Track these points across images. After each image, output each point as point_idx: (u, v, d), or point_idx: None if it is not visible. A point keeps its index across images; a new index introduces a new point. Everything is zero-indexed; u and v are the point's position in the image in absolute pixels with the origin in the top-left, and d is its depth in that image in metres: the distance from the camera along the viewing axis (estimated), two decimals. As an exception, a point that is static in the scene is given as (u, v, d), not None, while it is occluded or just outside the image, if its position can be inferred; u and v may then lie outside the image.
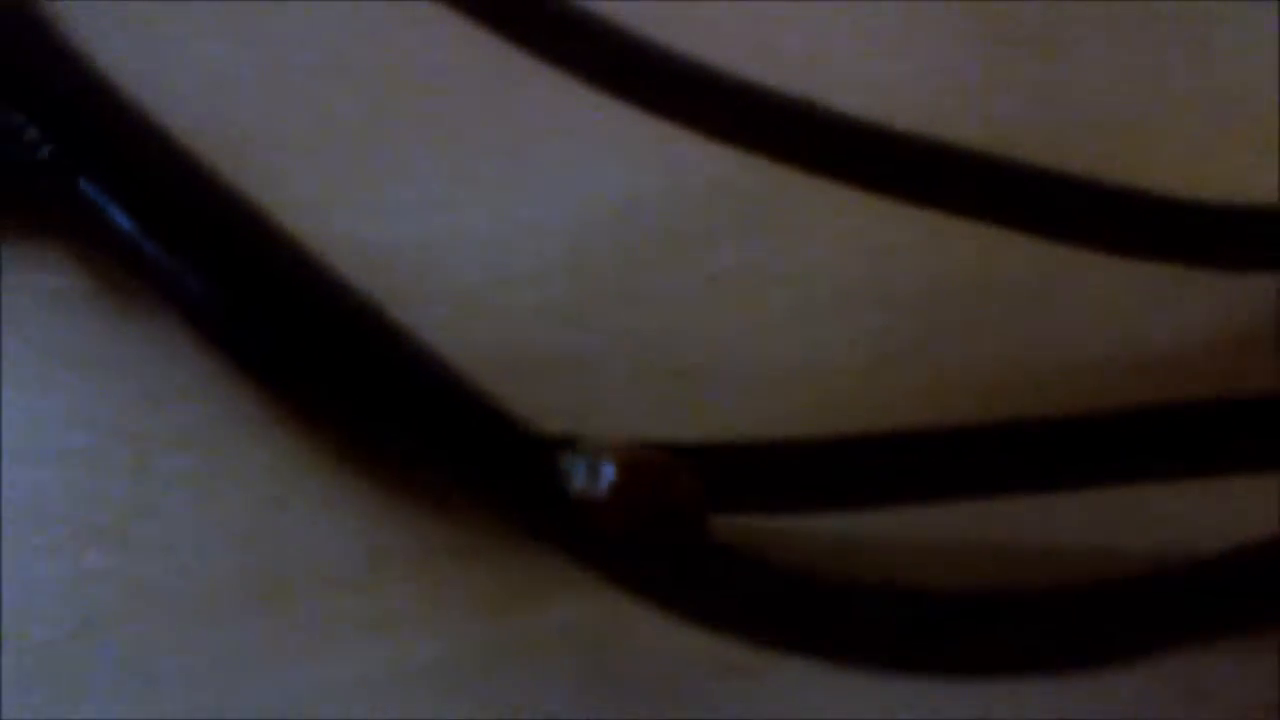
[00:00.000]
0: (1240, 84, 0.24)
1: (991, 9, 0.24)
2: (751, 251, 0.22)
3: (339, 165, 0.23)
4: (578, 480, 0.17)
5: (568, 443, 0.18)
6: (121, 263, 0.21)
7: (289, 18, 0.24)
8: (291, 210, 0.21)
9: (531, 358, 0.21)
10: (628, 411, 0.20)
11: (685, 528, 0.17)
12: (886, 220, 0.21)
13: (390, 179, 0.23)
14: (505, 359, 0.21)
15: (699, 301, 0.22)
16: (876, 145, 0.20)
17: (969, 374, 0.21)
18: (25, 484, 0.20)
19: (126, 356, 0.21)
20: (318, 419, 0.19)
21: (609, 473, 0.16)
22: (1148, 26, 0.24)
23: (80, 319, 0.21)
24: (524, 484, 0.18)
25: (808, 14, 0.25)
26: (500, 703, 0.18)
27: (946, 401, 0.20)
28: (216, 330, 0.20)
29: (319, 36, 0.24)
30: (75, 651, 0.19)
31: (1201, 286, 0.21)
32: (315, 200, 0.22)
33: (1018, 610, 0.18)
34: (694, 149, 0.21)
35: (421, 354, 0.20)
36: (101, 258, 0.21)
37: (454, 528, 0.19)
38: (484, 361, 0.20)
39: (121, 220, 0.20)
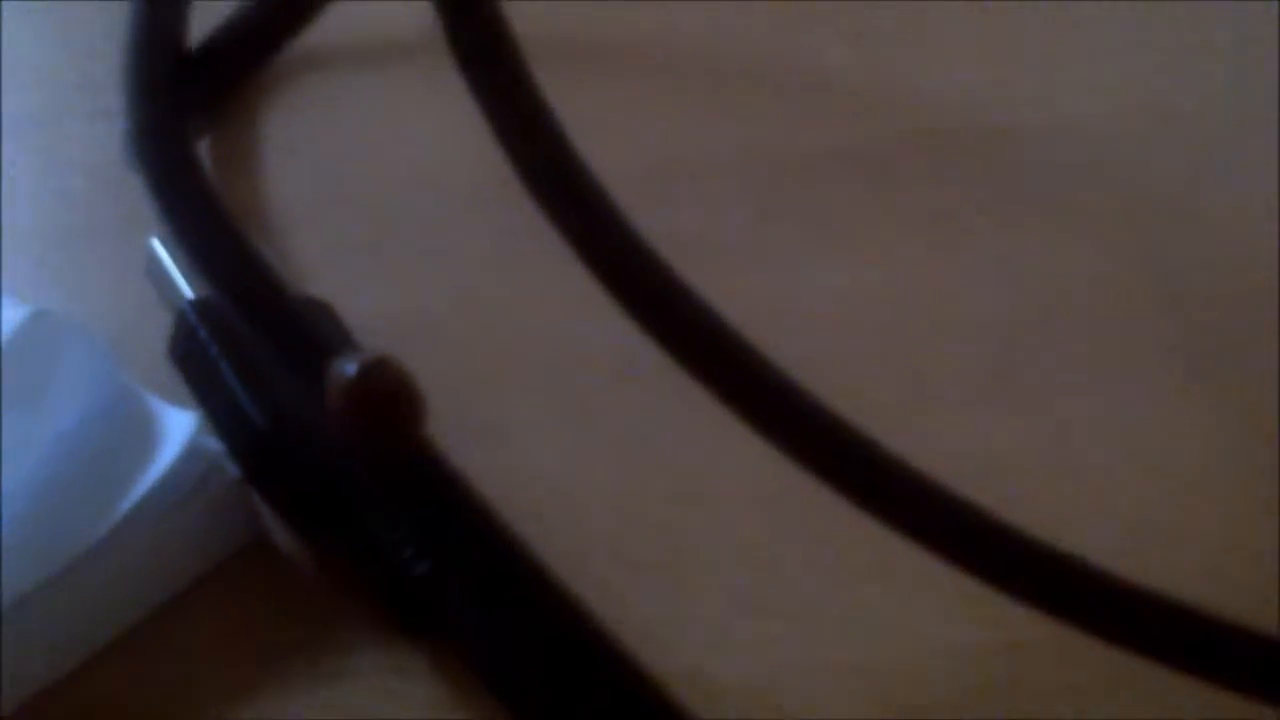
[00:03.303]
0: None
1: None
2: (1084, 712, 0.22)
3: (683, 591, 0.24)
4: (337, 375, 0.20)
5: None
6: (477, 677, 0.22)
7: (649, 444, 0.26)
8: (634, 635, 0.21)
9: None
10: None
11: (404, 423, 0.20)
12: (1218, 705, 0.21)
13: (731, 610, 0.23)
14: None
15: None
16: (1206, 633, 0.20)
17: None
18: None
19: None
20: None
21: (353, 367, 0.19)
22: None
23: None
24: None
25: (1138, 479, 0.25)
26: None
27: None
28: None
29: (676, 463, 0.26)
30: None
31: None
32: (657, 626, 0.23)
33: None
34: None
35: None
36: (457, 669, 0.22)
37: None
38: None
39: (482, 637, 0.21)
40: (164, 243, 0.26)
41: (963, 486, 0.21)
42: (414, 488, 0.22)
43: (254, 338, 0.23)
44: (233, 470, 0.23)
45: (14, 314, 0.22)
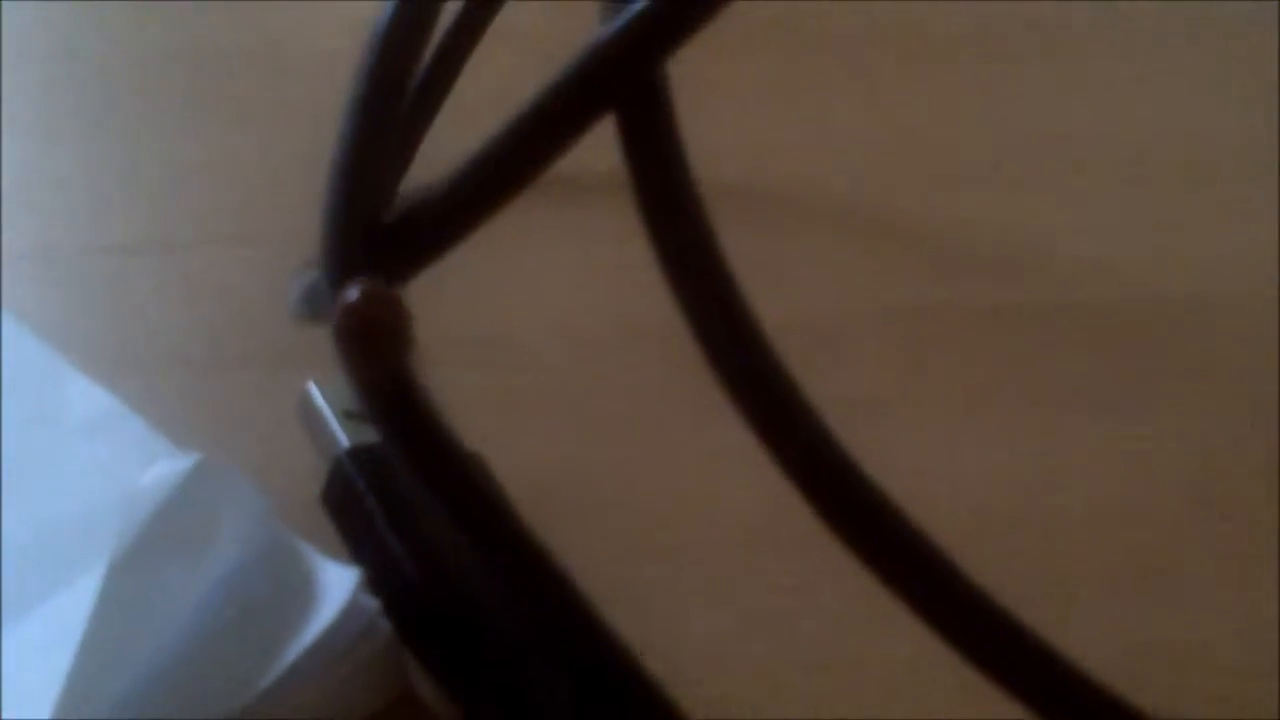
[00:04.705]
0: None
1: None
2: None
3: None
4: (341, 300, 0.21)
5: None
6: None
7: (793, 612, 0.25)
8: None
9: None
10: None
11: (395, 341, 0.21)
12: None
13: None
14: None
15: None
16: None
17: None
18: None
19: None
20: None
21: (354, 292, 0.20)
22: None
23: None
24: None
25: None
26: None
27: None
28: None
29: (813, 628, 0.25)
30: None
31: None
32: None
33: None
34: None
35: None
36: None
37: None
38: None
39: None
40: (320, 388, 0.26)
41: (1110, 679, 0.20)
42: (574, 655, 0.22)
43: (415, 492, 0.23)
44: (386, 626, 0.22)
45: (177, 464, 0.22)
